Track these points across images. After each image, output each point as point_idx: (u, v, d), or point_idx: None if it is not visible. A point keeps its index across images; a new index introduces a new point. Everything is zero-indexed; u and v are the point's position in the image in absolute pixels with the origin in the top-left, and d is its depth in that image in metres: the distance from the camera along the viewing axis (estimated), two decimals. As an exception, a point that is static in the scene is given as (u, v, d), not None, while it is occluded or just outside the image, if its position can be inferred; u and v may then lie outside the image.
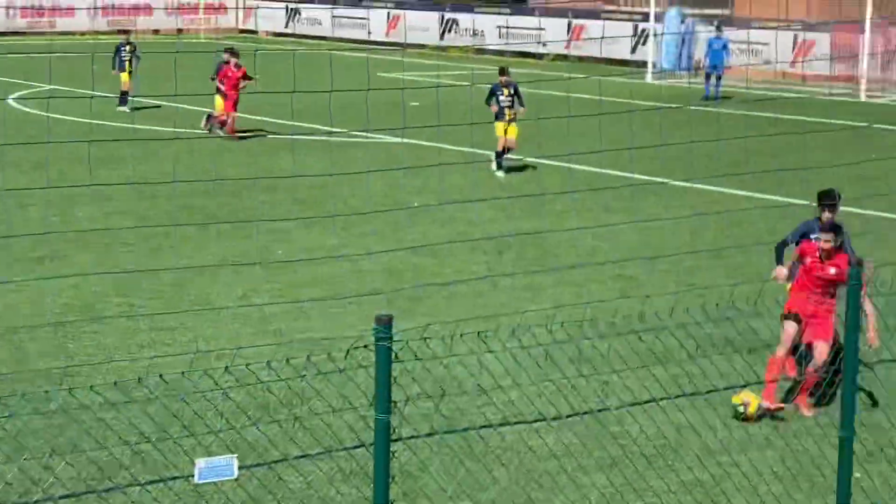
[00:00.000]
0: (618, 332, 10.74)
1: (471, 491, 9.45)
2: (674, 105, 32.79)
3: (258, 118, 29.71)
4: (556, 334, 11.53)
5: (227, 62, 27.73)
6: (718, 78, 36.95)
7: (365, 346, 6.60)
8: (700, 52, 42.45)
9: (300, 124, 27.99)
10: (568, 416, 10.68)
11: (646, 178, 23.74)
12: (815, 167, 24.07)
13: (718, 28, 38.14)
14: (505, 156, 24.16)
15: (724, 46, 37.32)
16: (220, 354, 12.71)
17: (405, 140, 26.35)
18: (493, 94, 24.00)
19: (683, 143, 24.13)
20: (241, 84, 27.66)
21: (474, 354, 10.37)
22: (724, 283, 15.82)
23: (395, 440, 7.88)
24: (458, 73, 41.93)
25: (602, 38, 43.90)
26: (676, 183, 23.45)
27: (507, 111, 23.73)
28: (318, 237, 18.27)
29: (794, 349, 11.38)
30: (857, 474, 9.37)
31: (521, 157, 24.05)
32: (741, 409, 11.08)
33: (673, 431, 10.53)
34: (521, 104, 23.89)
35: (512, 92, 23.81)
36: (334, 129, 20.80)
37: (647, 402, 10.96)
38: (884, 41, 39.81)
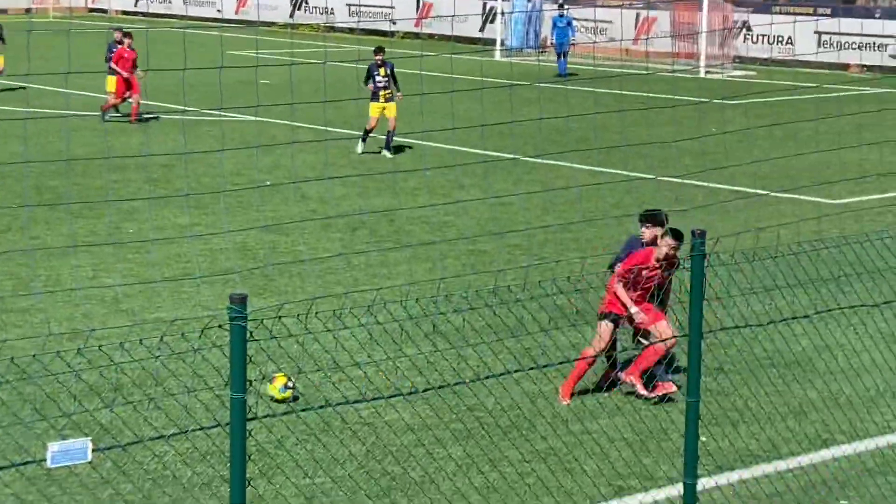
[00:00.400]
0: (471, 306, 10.87)
1: (328, 466, 9.51)
2: (524, 83, 33.15)
3: (107, 97, 29.14)
4: (411, 310, 11.63)
5: (121, 43, 26.99)
6: (564, 55, 37.69)
7: (219, 326, 6.59)
8: (547, 31, 43.28)
9: (152, 103, 27.56)
10: (424, 391, 10.80)
11: (497, 154, 24.00)
12: (659, 142, 24.64)
13: (561, 6, 38.87)
14: (370, 135, 23.84)
15: (569, 24, 38.12)
16: (73, 336, 12.52)
17: (258, 118, 26.14)
18: (369, 73, 23.63)
19: (534, 120, 24.45)
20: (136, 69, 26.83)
21: (329, 332, 10.40)
22: (574, 256, 16.13)
23: (251, 419, 7.89)
24: (310, 52, 41.71)
25: (453, 16, 44.13)
26: (527, 159, 23.76)
27: (381, 92, 23.44)
28: (170, 216, 18.06)
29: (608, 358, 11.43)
30: (703, 438, 9.69)
31: (374, 135, 24.07)
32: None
33: (527, 402, 10.73)
34: (397, 87, 23.57)
35: (388, 72, 23.54)
36: (187, 108, 20.55)
37: (501, 374, 11.14)
38: (721, 19, 40.85)
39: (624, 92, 26.24)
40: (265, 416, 10.27)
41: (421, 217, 18.41)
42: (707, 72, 38.93)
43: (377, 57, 23.68)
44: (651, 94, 30.97)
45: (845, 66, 40.65)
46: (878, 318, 12.06)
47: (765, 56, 41.22)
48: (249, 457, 5.89)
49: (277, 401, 10.80)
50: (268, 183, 19.91)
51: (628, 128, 25.70)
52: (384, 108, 23.56)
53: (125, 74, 26.53)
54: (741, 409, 10.77)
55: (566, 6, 39.08)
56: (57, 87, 28.87)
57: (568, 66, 37.90)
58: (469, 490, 9.18)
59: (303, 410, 10.48)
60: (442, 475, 9.44)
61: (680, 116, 27.46)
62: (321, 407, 10.43)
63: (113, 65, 26.70)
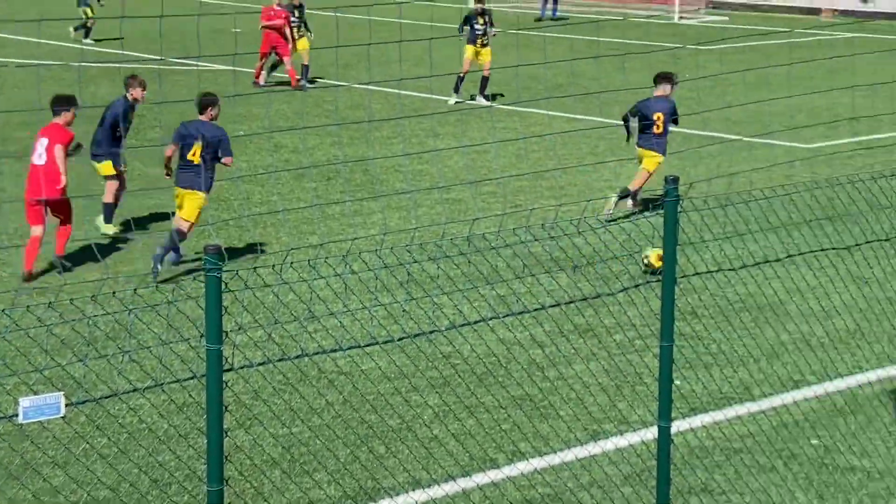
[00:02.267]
0: (446, 254, 10.91)
1: (305, 416, 9.56)
2: (497, 29, 32.99)
3: (75, 46, 28.89)
4: (386, 259, 11.67)
5: None
6: (555, 1, 38.01)
7: (194, 278, 6.60)
8: None
9: (124, 52, 27.34)
10: (399, 339, 10.85)
11: (472, 102, 23.94)
12: (633, 88, 24.59)
13: None
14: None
15: None
16: (43, 290, 12.50)
17: (232, 68, 25.98)
18: (467, 21, 23.92)
19: (509, 67, 24.40)
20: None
21: (305, 282, 10.42)
22: (549, 203, 16.16)
23: (228, 370, 7.90)
24: None
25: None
26: (502, 107, 23.72)
27: (478, 38, 23.70)
28: (143, 167, 17.98)
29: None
30: (676, 382, 9.78)
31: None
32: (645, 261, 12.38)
33: (502, 349, 10.79)
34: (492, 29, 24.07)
35: (487, 20, 23.87)
36: (160, 58, 20.40)
37: (476, 322, 11.20)
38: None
39: (599, 38, 26.16)
40: (241, 367, 10.31)
41: (395, 166, 18.39)
42: (681, 17, 38.87)
43: (477, 6, 23.98)
44: (625, 41, 30.91)
45: (817, 11, 40.64)
46: (849, 261, 12.16)
47: (738, 1, 41.16)
48: (226, 408, 5.91)
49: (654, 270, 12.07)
50: (241, 133, 19.86)
51: (603, 74, 25.66)
52: (478, 53, 23.79)
53: None
54: (714, 352, 10.86)
55: None
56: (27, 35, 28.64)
57: (547, 11, 38.05)
58: (446, 437, 9.25)
59: (279, 361, 10.52)
60: (419, 423, 9.50)
61: (654, 62, 27.43)
62: (297, 357, 10.47)
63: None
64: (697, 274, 8.48)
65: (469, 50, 23.88)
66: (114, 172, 14.70)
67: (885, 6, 38.78)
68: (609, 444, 9.12)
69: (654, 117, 15.94)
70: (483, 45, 23.76)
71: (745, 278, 11.96)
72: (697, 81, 24.68)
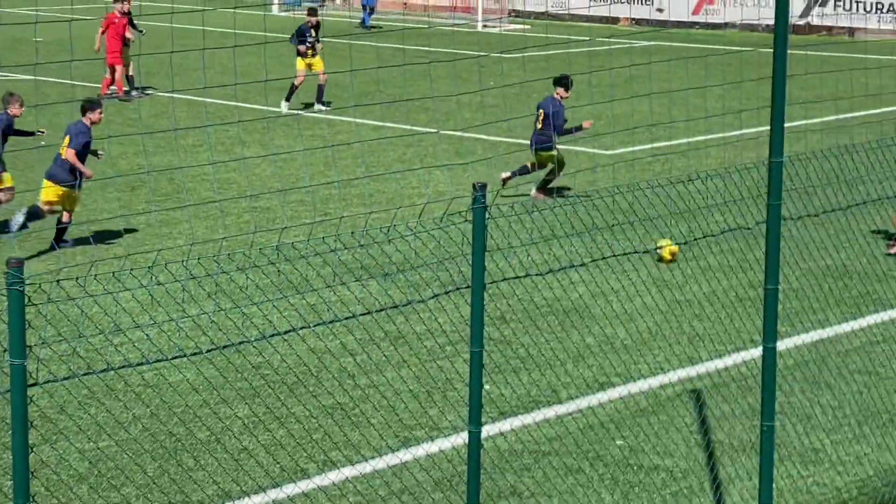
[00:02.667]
0: (255, 264, 10.83)
1: (112, 430, 9.35)
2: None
3: None
4: (193, 269, 11.50)
5: None
6: (372, 10, 38.39)
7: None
8: None
9: None
10: (208, 351, 10.70)
11: (278, 110, 23.81)
12: (440, 96, 24.86)
13: None
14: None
15: None
16: None
17: (35, 77, 25.24)
18: (300, 33, 24.26)
19: (312, 75, 24.32)
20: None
21: (109, 294, 10.19)
22: (358, 211, 16.19)
23: (32, 385, 7.67)
24: (87, 7, 40.38)
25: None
26: (309, 114, 23.66)
27: (309, 50, 24.09)
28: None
29: None
30: (486, 386, 9.92)
31: (165, 93, 23.46)
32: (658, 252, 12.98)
33: (313, 359, 10.76)
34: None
35: (317, 32, 24.28)
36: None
37: (287, 331, 11.13)
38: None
39: (405, 46, 26.32)
40: (46, 382, 10.02)
41: (201, 175, 18.16)
42: (484, 26, 39.43)
43: (311, 19, 24.41)
44: (431, 49, 31.19)
45: (615, 20, 41.75)
46: (650, 264, 12.53)
47: (540, 10, 41.97)
48: (31, 423, 5.75)
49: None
50: (42, 143, 19.33)
51: (410, 82, 25.84)
52: (311, 64, 24.18)
53: None
54: (523, 356, 11.04)
55: None
56: None
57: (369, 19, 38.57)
58: (256, 448, 9.17)
59: (84, 374, 10.26)
60: (228, 434, 9.40)
61: (460, 70, 27.76)
62: (103, 371, 10.23)
63: None
64: (505, 279, 8.61)
65: (301, 62, 24.20)
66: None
67: (678, 14, 40.10)
68: (420, 451, 9.19)
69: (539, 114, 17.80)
70: (314, 56, 24.19)
71: (551, 283, 12.20)
72: (503, 89, 25.06)
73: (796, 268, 13.22)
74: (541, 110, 17.80)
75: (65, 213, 14.79)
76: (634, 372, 10.73)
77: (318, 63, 24.19)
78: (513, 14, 41.90)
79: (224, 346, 10.68)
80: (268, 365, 10.65)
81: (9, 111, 15.58)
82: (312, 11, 24.87)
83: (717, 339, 11.50)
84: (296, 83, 23.89)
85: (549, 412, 9.94)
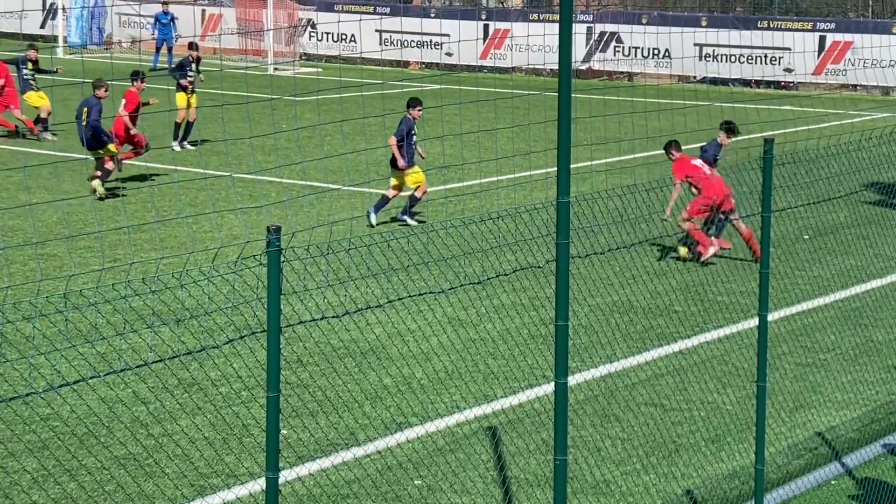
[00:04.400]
0: (42, 312, 10.50)
1: None
2: (87, 80, 32.18)
3: None
4: (-24, 320, 11.08)
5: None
6: (170, 49, 38.01)
7: None
8: (109, 26, 43.08)
9: None
10: (-7, 404, 10.32)
11: (65, 154, 23.22)
12: (232, 139, 24.66)
13: (165, 3, 38.91)
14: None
15: (172, 20, 38.54)
16: None
17: None
18: (181, 67, 24.57)
19: (106, 118, 23.81)
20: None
21: None
22: (149, 257, 15.89)
23: None
24: None
25: (11, 12, 42.25)
26: (81, 156, 23.13)
27: (190, 85, 24.35)
28: None
29: None
30: (283, 431, 9.85)
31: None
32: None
33: (105, 409, 10.49)
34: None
35: (198, 67, 24.59)
36: None
37: (76, 382, 10.79)
38: (287, 16, 41.44)
39: (197, 89, 26.01)
40: None
41: (-17, 222, 17.55)
42: (275, 69, 39.34)
43: (191, 53, 24.86)
44: (222, 91, 30.93)
45: (406, 64, 42.23)
46: (445, 304, 12.67)
47: (332, 54, 42.13)
48: None
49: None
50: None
51: (202, 125, 25.56)
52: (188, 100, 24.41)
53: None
54: (320, 399, 11.00)
55: (167, 3, 39.24)
56: None
57: (161, 61, 38.15)
58: (46, 502, 8.87)
59: None
60: (17, 489, 9.06)
61: (252, 113, 27.62)
62: None
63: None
64: (302, 322, 8.57)
65: (182, 98, 24.31)
66: None
67: (466, 59, 40.81)
68: (216, 499, 9.04)
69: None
70: (193, 92, 24.39)
71: (347, 324, 12.21)
72: (296, 132, 25.03)
73: (584, 304, 13.57)
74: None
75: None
76: (431, 411, 10.81)
77: (194, 100, 24.41)
78: (304, 58, 41.95)
79: (11, 399, 10.29)
80: (57, 416, 10.33)
81: (96, 94, 19.48)
82: (193, 46, 25.11)
83: (511, 376, 11.68)
84: (178, 120, 24.19)
85: (348, 455, 9.92)
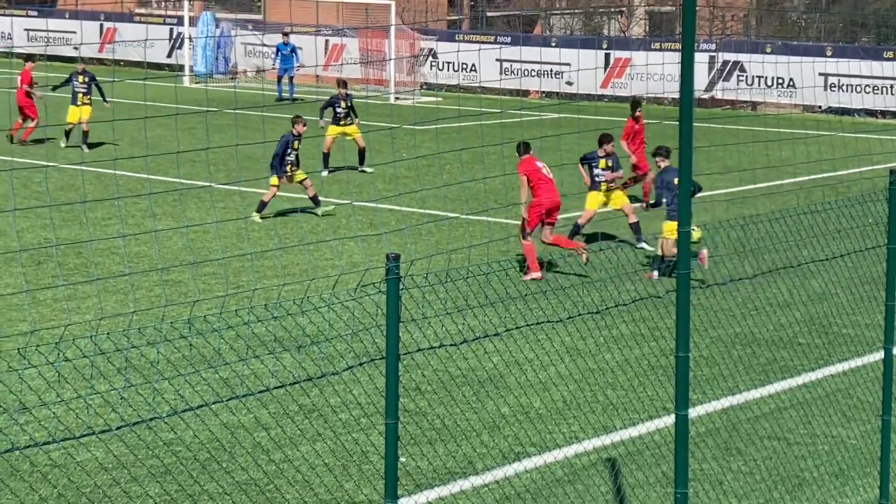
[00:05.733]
0: (166, 338, 10.68)
1: (19, 512, 9.12)
2: (213, 108, 32.82)
3: None
4: (102, 344, 11.33)
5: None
6: (291, 80, 38.38)
7: None
8: (234, 55, 43.87)
9: None
10: (117, 428, 10.50)
11: (190, 182, 23.67)
12: (347, 168, 24.89)
13: (286, 34, 39.42)
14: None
15: (293, 51, 38.99)
16: None
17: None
18: (330, 104, 25.30)
19: (227, 147, 24.26)
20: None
21: (14, 371, 9.99)
22: (271, 283, 16.09)
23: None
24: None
25: (137, 41, 43.28)
26: (220, 186, 23.54)
27: (342, 119, 25.20)
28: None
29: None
30: (402, 459, 9.85)
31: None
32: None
33: (227, 434, 10.61)
34: (355, 113, 25.52)
35: (349, 103, 25.30)
36: None
37: (199, 406, 10.97)
38: (408, 46, 41.76)
39: (313, 118, 26.36)
40: (-52, 463, 9.76)
41: (111, 248, 17.94)
42: (396, 98, 39.67)
43: (341, 90, 25.40)
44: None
45: (526, 93, 42.26)
46: (563, 333, 12.59)
47: (452, 83, 42.37)
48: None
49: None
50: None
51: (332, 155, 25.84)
52: (345, 132, 25.34)
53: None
54: (438, 427, 10.99)
55: (288, 35, 39.79)
56: None
57: (285, 91, 38.61)
58: (169, 526, 8.99)
59: (-11, 455, 10.01)
60: (140, 513, 9.21)
61: (373, 142, 27.86)
62: (7, 451, 9.99)
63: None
64: (420, 350, 8.59)
65: (333, 130, 25.16)
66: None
67: (586, 88, 40.70)
68: (336, 525, 9.07)
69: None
70: (348, 125, 25.24)
71: (465, 353, 12.20)
72: (415, 161, 25.20)
73: (706, 335, 13.38)
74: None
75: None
76: (549, 441, 10.73)
77: (352, 130, 25.25)
78: (425, 87, 42.24)
79: (135, 423, 10.50)
80: (180, 441, 10.48)
81: (295, 130, 20.66)
82: (342, 83, 25.83)
83: (631, 407, 11.55)
84: (325, 150, 25.06)
85: (466, 483, 9.89)
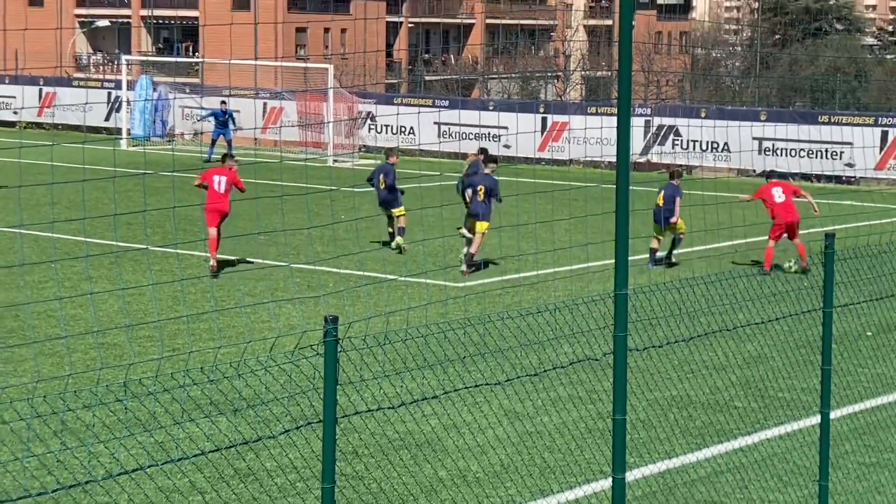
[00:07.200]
0: (101, 401, 10.59)
1: (-52, 579, 8.95)
2: (150, 171, 32.74)
3: None
4: (39, 408, 11.21)
5: None
6: (229, 143, 38.61)
7: None
8: (172, 119, 43.97)
9: None
10: (53, 491, 10.37)
11: (125, 244, 23.55)
12: (291, 229, 24.92)
13: (223, 102, 39.77)
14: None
15: (231, 118, 39.30)
16: None
17: None
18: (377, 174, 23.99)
19: (165, 209, 24.18)
20: None
21: (-52, 434, 9.87)
22: (207, 346, 16.00)
23: None
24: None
25: (76, 105, 43.20)
26: (156, 248, 23.44)
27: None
28: None
29: None
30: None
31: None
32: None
33: (162, 498, 10.50)
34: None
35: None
36: None
37: (134, 470, 10.86)
38: (347, 109, 41.98)
39: (257, 181, 26.38)
40: None
41: (48, 311, 17.78)
42: (335, 160, 39.79)
43: (391, 159, 24.93)
44: (282, 183, 31.30)
45: (465, 155, 42.59)
46: (501, 395, 12.63)
47: (391, 145, 42.61)
48: None
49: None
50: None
51: (263, 215, 25.85)
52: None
53: None
54: (375, 491, 10.96)
55: (225, 102, 40.11)
56: None
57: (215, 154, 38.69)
58: (102, 592, 8.86)
59: (-81, 520, 9.85)
60: (73, 579, 9.07)
61: (311, 204, 27.91)
62: (-61, 515, 9.83)
63: None
64: (357, 413, 8.59)
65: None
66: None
67: (524, 151, 41.08)
68: (273, 590, 8.99)
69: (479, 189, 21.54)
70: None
71: (403, 416, 12.19)
72: (354, 223, 25.24)
73: (643, 398, 13.47)
74: (480, 186, 21.60)
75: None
76: (487, 505, 10.72)
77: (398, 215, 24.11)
78: (363, 149, 42.43)
79: (70, 486, 10.37)
80: (114, 505, 10.35)
81: (389, 161, 23.00)
82: (390, 152, 24.80)
83: (568, 470, 11.59)
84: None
85: (403, 547, 9.84)
